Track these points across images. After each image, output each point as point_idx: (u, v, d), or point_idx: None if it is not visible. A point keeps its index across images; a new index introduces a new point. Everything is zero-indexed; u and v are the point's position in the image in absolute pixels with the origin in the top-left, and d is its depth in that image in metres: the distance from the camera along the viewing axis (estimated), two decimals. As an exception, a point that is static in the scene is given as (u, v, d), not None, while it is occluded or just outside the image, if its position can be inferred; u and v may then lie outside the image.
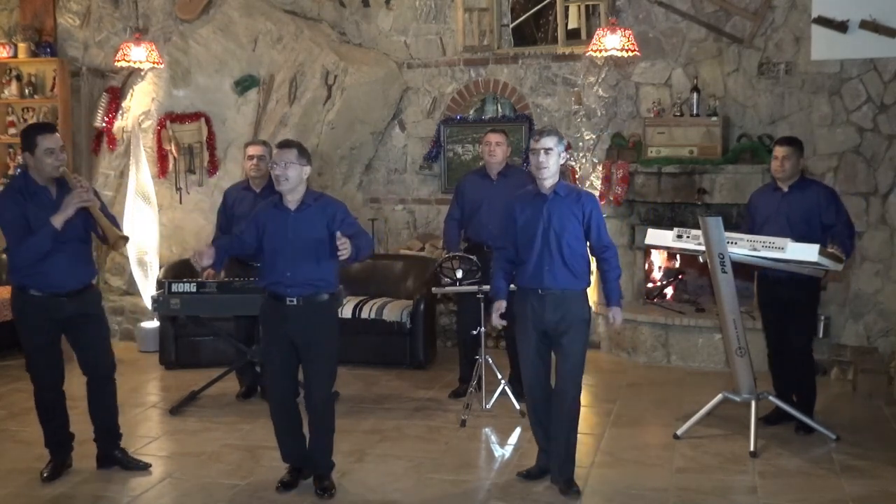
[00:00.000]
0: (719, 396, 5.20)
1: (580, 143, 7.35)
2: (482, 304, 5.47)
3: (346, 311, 6.58)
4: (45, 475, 4.54)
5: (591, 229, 4.33)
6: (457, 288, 5.57)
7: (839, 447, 4.98)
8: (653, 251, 7.15)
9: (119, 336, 7.59)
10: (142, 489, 4.45)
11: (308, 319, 4.24)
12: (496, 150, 5.82)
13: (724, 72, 6.93)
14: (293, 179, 4.21)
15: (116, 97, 7.74)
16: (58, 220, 4.25)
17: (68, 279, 4.41)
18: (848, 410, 5.69)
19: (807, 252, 4.72)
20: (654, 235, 5.40)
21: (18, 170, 7.71)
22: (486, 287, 4.94)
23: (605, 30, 6.56)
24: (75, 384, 4.88)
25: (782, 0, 6.74)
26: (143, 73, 7.61)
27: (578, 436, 4.46)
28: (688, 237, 5.12)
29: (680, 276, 7.28)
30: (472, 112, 7.73)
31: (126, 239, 4.57)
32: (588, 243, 4.40)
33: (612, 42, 6.47)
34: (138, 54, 7.10)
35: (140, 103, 7.65)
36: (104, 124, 7.71)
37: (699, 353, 6.72)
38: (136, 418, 5.54)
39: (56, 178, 4.38)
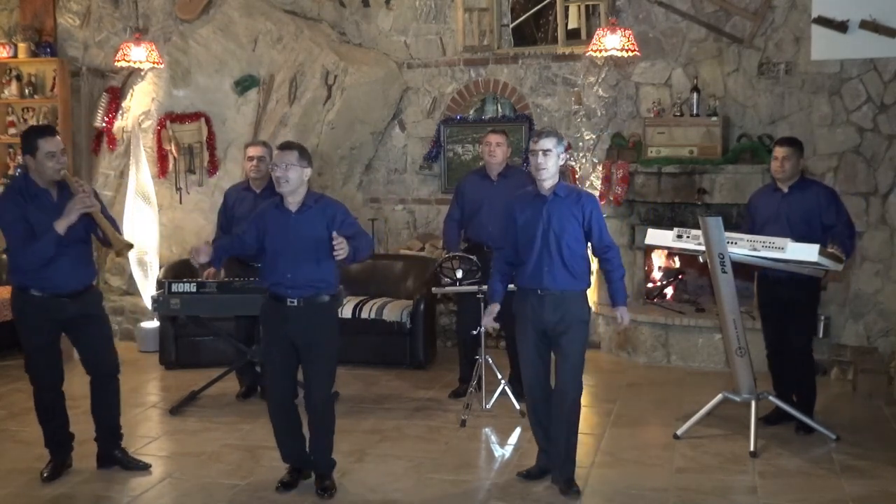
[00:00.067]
0: (719, 396, 5.20)
1: (580, 143, 7.35)
2: (482, 304, 5.46)
3: (346, 311, 6.58)
4: (45, 475, 4.54)
5: (592, 230, 4.33)
6: (457, 288, 5.57)
7: (839, 447, 4.98)
8: (653, 251, 7.14)
9: (119, 336, 7.58)
10: (142, 489, 4.45)
11: (308, 320, 4.25)
12: (496, 150, 5.82)
13: (724, 72, 6.93)
14: (294, 181, 4.21)
15: (116, 97, 7.74)
16: (61, 226, 4.26)
17: (70, 280, 4.41)
18: (848, 410, 5.69)
19: (807, 252, 4.72)
20: (654, 235, 5.40)
21: (18, 170, 7.72)
22: (486, 287, 4.94)
23: (605, 30, 6.56)
24: (75, 384, 4.89)
25: (782, 0, 6.74)
26: (143, 73, 7.62)
27: (579, 436, 4.45)
28: (688, 237, 5.12)
29: (680, 276, 7.28)
30: (472, 112, 7.73)
31: (131, 246, 4.59)
32: (590, 244, 4.40)
33: (612, 42, 6.48)
34: (138, 54, 7.10)
35: (140, 103, 7.65)
36: (104, 124, 7.72)
37: (699, 353, 6.72)
38: (136, 418, 5.54)
39: (57, 181, 4.38)
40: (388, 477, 4.59)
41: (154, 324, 7.23)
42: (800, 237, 4.85)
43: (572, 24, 7.45)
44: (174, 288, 5.53)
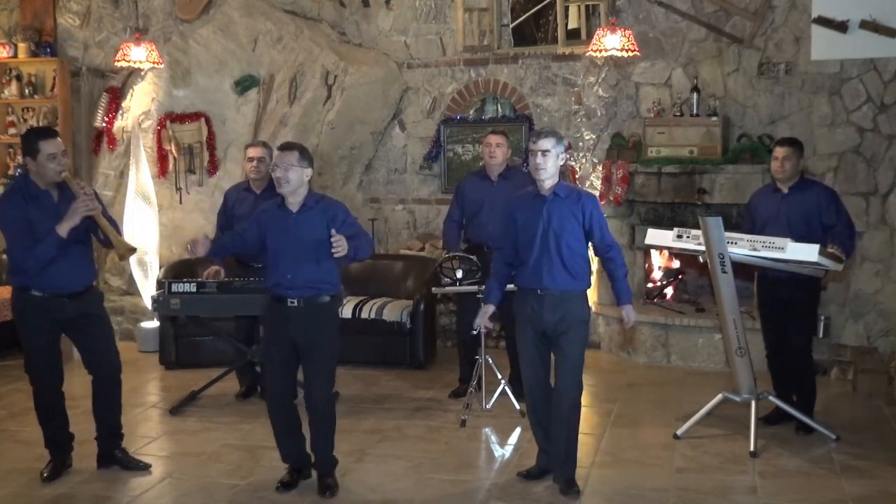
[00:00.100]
0: (719, 396, 5.20)
1: (580, 143, 7.35)
2: (482, 305, 5.46)
3: (346, 311, 6.58)
4: (45, 475, 4.54)
5: (593, 230, 4.33)
6: (457, 288, 5.57)
7: (839, 447, 4.98)
8: (653, 251, 7.14)
9: (119, 336, 7.52)
10: (142, 489, 4.45)
11: (309, 321, 4.25)
12: (496, 151, 5.81)
13: (724, 72, 6.93)
14: (294, 182, 4.21)
15: (116, 97, 7.74)
16: (63, 229, 4.27)
17: (70, 281, 4.42)
18: (848, 410, 5.69)
19: (807, 252, 4.72)
20: (654, 235, 5.40)
21: (18, 170, 7.72)
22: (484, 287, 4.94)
23: (605, 30, 6.56)
24: (75, 384, 4.89)
25: (782, 0, 6.74)
26: (143, 73, 7.62)
27: (579, 436, 4.45)
28: (688, 237, 5.12)
29: (680, 276, 7.28)
30: (472, 112, 7.73)
31: (134, 250, 4.59)
32: (592, 244, 4.40)
33: (612, 42, 6.48)
34: (138, 54, 7.11)
35: (140, 103, 7.65)
36: (104, 124, 7.72)
37: (699, 353, 6.72)
38: (136, 418, 5.54)
39: (57, 182, 4.39)
40: (388, 477, 4.59)
41: (154, 324, 7.23)
42: (800, 237, 4.85)
43: (572, 24, 7.45)
44: (174, 288, 5.53)
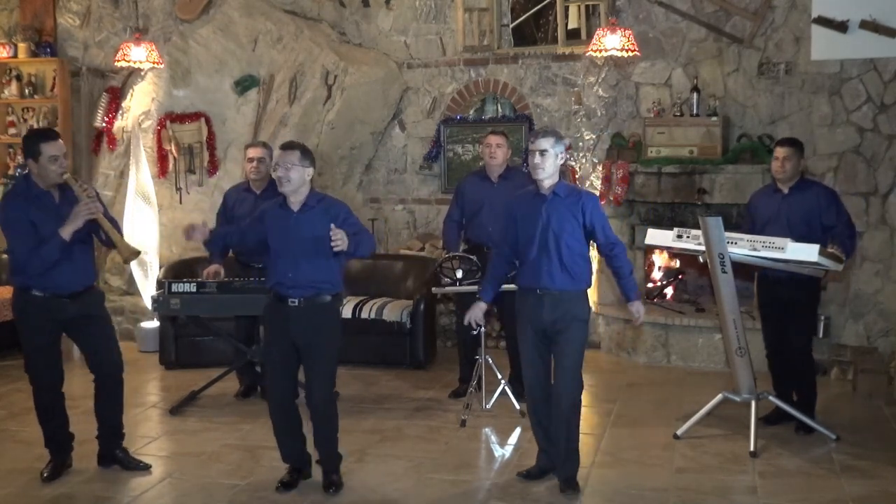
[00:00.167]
0: (719, 396, 5.20)
1: (580, 143, 7.35)
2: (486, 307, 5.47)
3: (346, 311, 6.57)
4: (45, 475, 4.54)
5: (594, 229, 4.32)
6: (457, 288, 5.57)
7: (839, 447, 4.98)
8: (653, 251, 7.14)
9: (119, 336, 7.49)
10: (142, 489, 4.45)
11: (309, 320, 4.25)
12: (497, 152, 5.81)
13: (724, 72, 6.93)
14: (295, 181, 4.22)
15: (116, 97, 7.74)
16: (66, 232, 4.29)
17: (71, 281, 4.42)
18: (848, 410, 5.69)
19: (807, 252, 4.72)
20: (654, 235, 5.40)
21: (18, 170, 7.72)
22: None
23: (605, 30, 6.56)
24: (75, 384, 4.89)
25: (782, 0, 6.74)
26: (143, 73, 7.62)
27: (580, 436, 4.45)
28: (688, 237, 5.12)
29: (680, 276, 7.28)
30: (472, 112, 7.73)
31: (138, 253, 4.60)
32: (595, 243, 4.40)
33: (612, 42, 6.48)
34: (138, 54, 7.10)
35: (140, 103, 7.65)
36: (104, 124, 7.72)
37: (699, 353, 6.72)
38: (136, 418, 5.54)
39: (59, 183, 4.39)
40: (388, 477, 4.59)
41: (154, 324, 7.23)
42: (800, 238, 4.85)
43: (572, 24, 7.45)
44: (174, 288, 5.53)
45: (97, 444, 4.70)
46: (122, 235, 4.58)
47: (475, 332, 5.58)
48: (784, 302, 5.17)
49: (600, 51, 6.54)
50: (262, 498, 4.33)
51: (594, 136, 7.33)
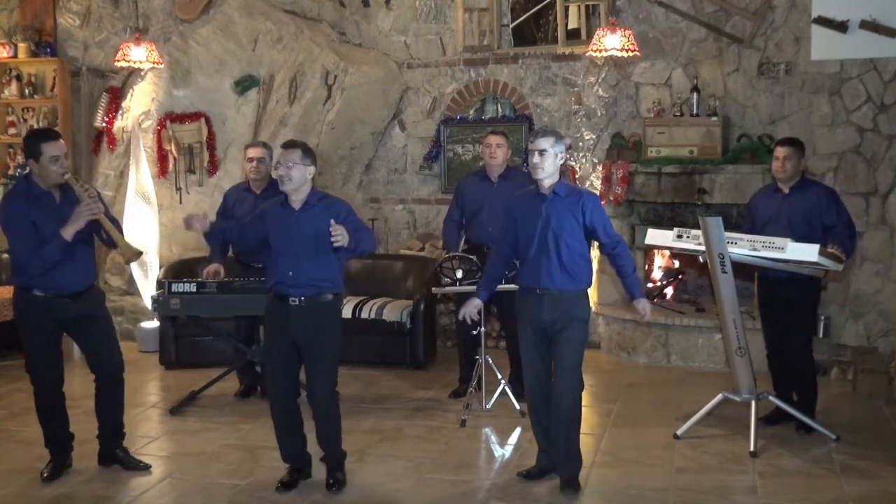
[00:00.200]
0: (719, 396, 5.20)
1: (580, 143, 7.35)
2: (482, 305, 5.46)
3: (346, 311, 6.57)
4: (45, 475, 4.54)
5: (596, 229, 4.31)
6: (457, 288, 5.57)
7: (839, 447, 4.98)
8: (653, 251, 7.14)
9: (119, 336, 7.51)
10: (142, 489, 4.45)
11: (310, 320, 4.25)
12: (497, 151, 5.82)
13: (724, 72, 6.93)
14: (297, 180, 4.22)
15: (116, 97, 7.74)
16: (68, 232, 4.29)
17: (72, 281, 4.43)
18: (848, 410, 5.69)
19: (807, 252, 4.72)
20: (654, 235, 5.40)
21: (18, 170, 7.72)
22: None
23: (605, 30, 6.56)
24: (76, 384, 4.89)
25: (782, 0, 6.74)
26: (143, 73, 7.62)
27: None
28: (688, 237, 5.12)
29: (680, 276, 7.28)
30: (472, 112, 7.73)
31: (140, 254, 4.61)
32: (598, 243, 4.40)
33: (612, 42, 6.47)
34: (138, 54, 7.10)
35: (140, 103, 7.65)
36: (104, 124, 7.72)
37: (699, 353, 6.72)
38: (136, 418, 5.54)
39: (60, 183, 4.40)
40: (388, 477, 4.59)
41: (154, 324, 7.23)
42: (800, 238, 4.85)
43: (572, 24, 7.45)
44: (174, 288, 5.53)
45: (98, 443, 4.70)
46: (123, 235, 4.58)
47: (475, 333, 5.60)
48: (784, 302, 5.17)
49: (600, 51, 6.54)
50: (262, 498, 4.33)
51: (594, 136, 7.33)
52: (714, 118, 6.72)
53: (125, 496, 4.39)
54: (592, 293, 6.46)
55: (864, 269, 6.60)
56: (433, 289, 5.95)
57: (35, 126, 7.57)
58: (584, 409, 4.54)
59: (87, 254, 4.54)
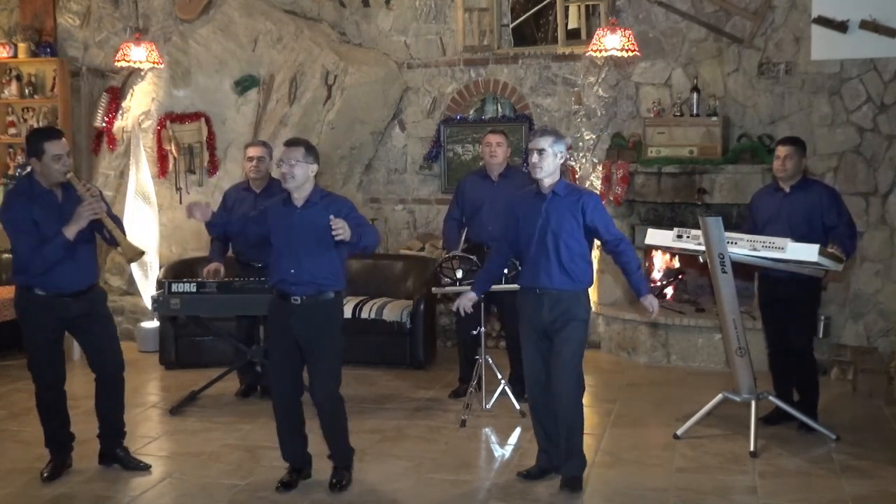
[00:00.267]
0: (719, 396, 5.20)
1: (580, 143, 7.35)
2: (482, 305, 5.47)
3: (346, 311, 6.54)
4: (45, 475, 4.54)
5: (597, 228, 4.31)
6: (457, 288, 5.56)
7: (839, 447, 4.98)
8: (653, 251, 7.14)
9: (119, 336, 7.56)
10: (142, 489, 4.45)
11: (312, 318, 4.25)
12: (497, 150, 5.82)
13: (724, 72, 6.93)
14: (300, 178, 4.22)
15: (116, 97, 7.74)
16: (70, 232, 4.29)
17: (74, 280, 4.43)
18: (848, 410, 5.69)
19: (806, 252, 4.72)
20: (654, 235, 5.40)
21: (18, 170, 7.72)
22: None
23: (605, 30, 6.56)
24: (76, 384, 4.89)
25: (782, 0, 6.74)
26: (143, 73, 7.62)
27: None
28: (688, 237, 5.12)
29: (680, 276, 7.28)
30: (472, 112, 7.73)
31: (142, 253, 4.61)
32: (601, 242, 4.40)
33: (612, 42, 6.48)
34: (138, 54, 7.10)
35: (140, 103, 7.65)
36: (104, 124, 7.72)
37: (699, 353, 6.72)
38: (136, 418, 5.54)
39: (62, 182, 4.40)
40: (388, 477, 4.59)
41: (154, 324, 7.23)
42: (801, 237, 4.85)
43: (572, 24, 7.45)
44: (174, 288, 5.53)
45: (98, 443, 4.71)
46: (125, 235, 4.58)
47: (475, 333, 5.60)
48: (784, 302, 5.17)
49: (600, 51, 6.54)
50: (262, 498, 4.33)
51: (594, 136, 7.33)
52: (714, 118, 6.72)
53: (125, 496, 4.39)
54: (592, 293, 6.46)
55: (864, 269, 6.60)
56: (433, 289, 5.95)
57: (35, 126, 7.56)
58: (584, 409, 4.53)
59: (89, 253, 4.55)
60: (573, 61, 7.32)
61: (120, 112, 7.71)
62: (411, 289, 6.96)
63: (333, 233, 4.06)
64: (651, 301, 4.44)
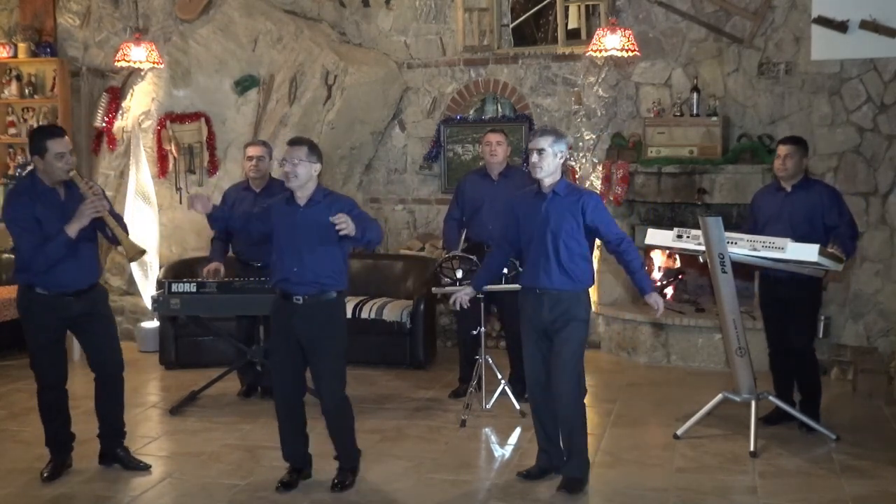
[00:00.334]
0: (719, 396, 5.20)
1: (580, 143, 7.35)
2: (482, 305, 5.47)
3: (347, 311, 6.56)
4: (45, 475, 4.54)
5: (598, 228, 4.30)
6: (457, 288, 5.56)
7: (839, 447, 4.98)
8: (653, 251, 7.14)
9: (119, 336, 7.56)
10: (142, 489, 4.45)
11: (314, 318, 4.25)
12: (497, 149, 5.82)
13: (724, 72, 6.93)
14: (303, 176, 4.23)
15: (116, 97, 7.74)
16: (72, 230, 4.29)
17: (75, 279, 4.43)
18: (848, 410, 5.69)
19: (806, 252, 4.72)
20: (654, 235, 5.40)
21: (19, 170, 7.72)
22: (486, 287, 4.95)
23: (605, 30, 6.56)
24: (76, 384, 4.89)
25: (782, 0, 6.74)
26: (143, 73, 7.62)
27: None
28: (688, 237, 5.12)
29: (680, 276, 7.28)
30: (472, 112, 7.73)
31: (143, 252, 4.62)
32: (602, 242, 4.40)
33: (612, 42, 6.48)
34: (138, 54, 7.10)
35: (140, 103, 7.65)
36: (104, 124, 7.72)
37: (699, 353, 6.72)
38: (136, 418, 5.54)
39: (65, 180, 4.40)
40: (388, 477, 4.59)
41: (154, 324, 7.23)
42: (802, 237, 4.85)
43: (572, 24, 7.45)
44: (174, 288, 5.53)
45: (98, 443, 4.71)
46: (127, 234, 4.58)
47: (475, 333, 5.60)
48: (785, 302, 5.17)
49: (600, 51, 6.54)
50: (262, 498, 4.33)
51: (594, 136, 7.33)
52: (714, 118, 6.72)
53: (125, 496, 4.39)
54: (592, 293, 6.46)
55: (864, 269, 6.60)
56: (433, 289, 5.95)
57: (35, 126, 7.56)
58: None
59: (91, 251, 4.55)
60: (573, 61, 7.32)
61: (120, 112, 7.71)
62: (411, 289, 6.96)
63: (337, 227, 4.06)
64: (656, 299, 4.44)
